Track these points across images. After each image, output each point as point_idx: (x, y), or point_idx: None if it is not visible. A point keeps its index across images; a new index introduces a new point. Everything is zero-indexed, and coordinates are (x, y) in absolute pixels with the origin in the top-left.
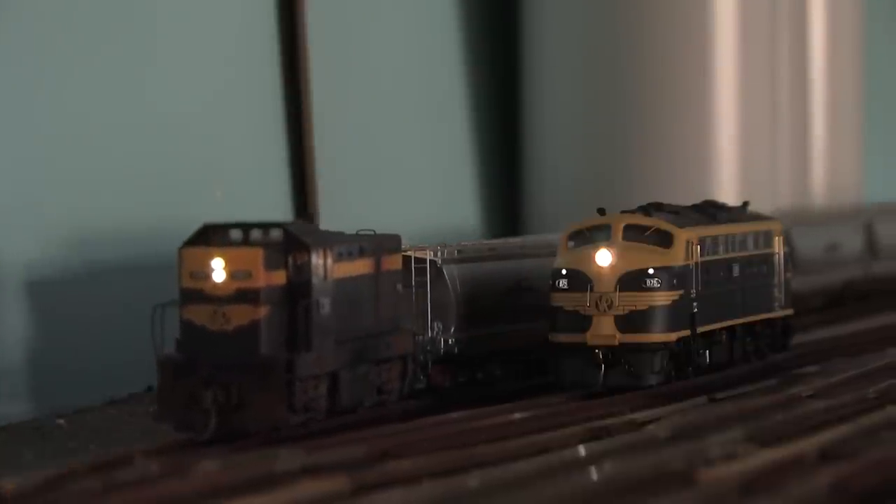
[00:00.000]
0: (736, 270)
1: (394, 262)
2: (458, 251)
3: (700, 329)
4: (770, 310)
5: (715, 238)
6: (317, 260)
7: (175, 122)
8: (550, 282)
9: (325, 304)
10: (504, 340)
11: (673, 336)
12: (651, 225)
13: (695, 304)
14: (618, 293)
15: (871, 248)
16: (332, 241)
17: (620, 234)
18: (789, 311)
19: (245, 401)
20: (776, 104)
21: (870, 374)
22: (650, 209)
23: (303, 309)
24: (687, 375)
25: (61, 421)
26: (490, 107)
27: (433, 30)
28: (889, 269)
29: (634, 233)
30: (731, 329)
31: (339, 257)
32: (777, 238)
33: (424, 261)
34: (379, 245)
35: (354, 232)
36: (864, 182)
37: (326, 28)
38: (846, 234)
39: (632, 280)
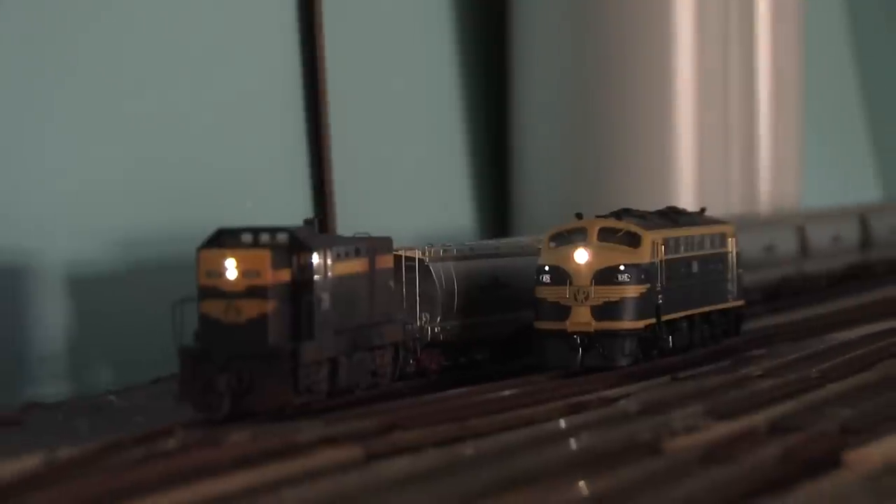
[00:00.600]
0: (695, 267)
1: (386, 261)
2: (444, 251)
3: (664, 317)
4: (724, 301)
5: (677, 239)
6: (318, 260)
7: (206, 133)
8: (535, 277)
9: (326, 299)
10: (483, 329)
11: (641, 324)
12: (622, 228)
13: (660, 296)
14: (593, 287)
15: (803, 249)
16: (331, 243)
17: (595, 236)
18: (741, 302)
19: (255, 384)
20: (728, 124)
21: (811, 357)
22: (621, 214)
23: (306, 303)
24: (653, 358)
25: (112, 397)
26: (482, 124)
27: (433, 48)
28: (818, 267)
29: (607, 234)
30: (690, 317)
31: (337, 258)
32: (730, 239)
33: (414, 259)
34: (373, 246)
35: (352, 234)
36: (802, 191)
37: (341, 48)
38: (782, 237)
39: (605, 275)
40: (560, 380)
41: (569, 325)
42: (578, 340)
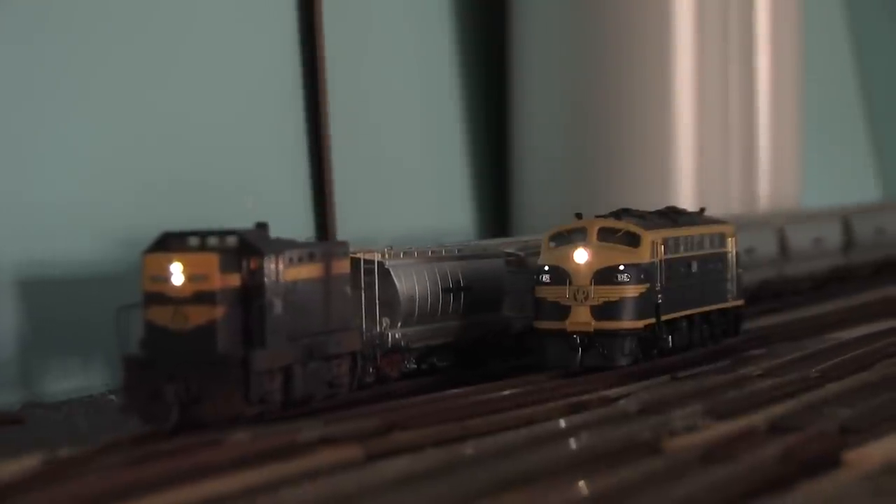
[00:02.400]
0: (695, 267)
1: (342, 267)
2: (404, 254)
3: (664, 317)
4: (724, 300)
5: (676, 239)
6: (269, 264)
7: (206, 133)
8: (535, 276)
9: (277, 305)
10: (446, 333)
11: (640, 323)
12: (621, 228)
13: (659, 295)
14: (593, 286)
15: (783, 251)
16: (283, 247)
17: (595, 236)
18: (740, 302)
19: (204, 394)
20: (728, 124)
21: (811, 357)
22: (620, 214)
23: (257, 308)
24: (652, 357)
25: (112, 396)
26: (482, 124)
27: (433, 48)
28: (798, 270)
29: (607, 234)
30: (690, 317)
31: (289, 262)
32: (730, 239)
33: (373, 262)
34: (329, 251)
35: (305, 240)
36: (802, 191)
37: (341, 48)
38: (761, 239)
39: (605, 275)
40: (560, 380)
41: (568, 325)
42: (578, 340)
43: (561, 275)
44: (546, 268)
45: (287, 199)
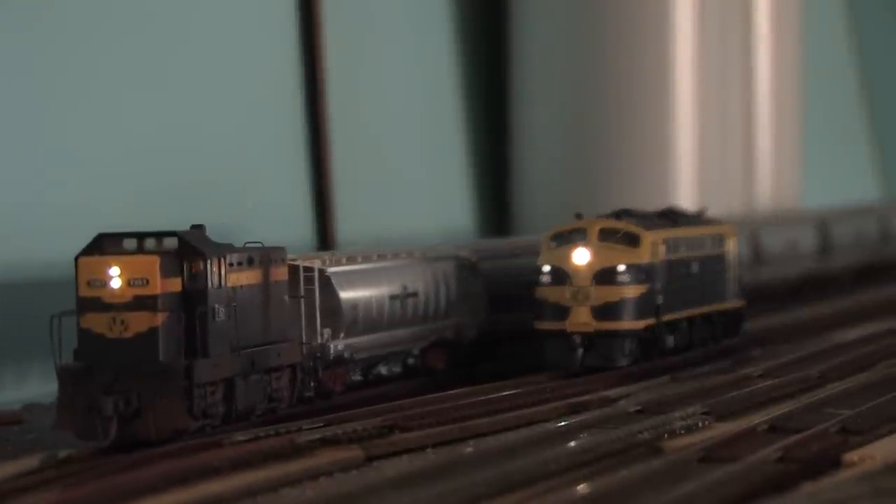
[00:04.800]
0: (695, 267)
1: (281, 273)
2: (347, 259)
3: (664, 317)
4: (724, 301)
5: (676, 239)
6: (212, 268)
7: (206, 134)
8: (536, 277)
9: (221, 312)
10: (393, 342)
11: (641, 324)
12: (621, 228)
13: (659, 296)
14: (593, 287)
15: (757, 256)
16: (224, 250)
17: (595, 236)
18: (741, 302)
19: (145, 407)
20: (728, 124)
21: (811, 357)
22: (621, 214)
23: (200, 315)
24: (653, 357)
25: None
26: (482, 125)
27: (431, 57)
28: (773, 274)
29: (607, 235)
30: (690, 317)
31: (231, 266)
32: (730, 239)
33: (312, 269)
34: (267, 256)
35: (243, 243)
36: (803, 191)
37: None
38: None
39: (605, 276)
40: (560, 380)
41: (569, 325)
42: (578, 341)
43: (561, 275)
44: (546, 268)
45: (287, 199)
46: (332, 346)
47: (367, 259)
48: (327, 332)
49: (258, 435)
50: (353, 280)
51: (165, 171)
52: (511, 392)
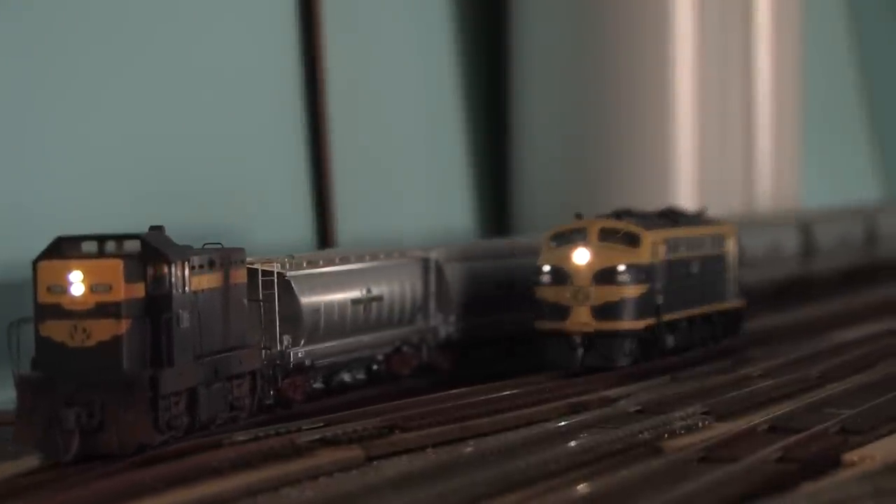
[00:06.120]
0: (695, 267)
1: (240, 276)
2: (308, 262)
3: (664, 317)
4: (724, 300)
5: (676, 239)
6: (176, 272)
7: (206, 135)
8: (535, 277)
9: (185, 318)
10: (357, 348)
11: (641, 324)
12: (621, 228)
13: (659, 296)
14: (593, 287)
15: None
16: (186, 253)
17: (595, 236)
18: (741, 302)
19: (109, 420)
20: (728, 124)
21: (811, 357)
22: (621, 214)
23: (164, 322)
24: (653, 357)
25: None
26: (482, 124)
27: (432, 56)
28: (756, 276)
29: (607, 235)
30: (690, 317)
31: (193, 270)
32: (730, 239)
33: (272, 273)
34: (227, 258)
35: (201, 245)
36: (802, 191)
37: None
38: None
39: (605, 275)
40: (560, 380)
41: (568, 326)
42: (578, 341)
43: (561, 275)
44: (546, 268)
45: (287, 199)
46: (291, 353)
47: (328, 262)
48: (287, 338)
49: (258, 435)
50: (314, 284)
51: (165, 171)
52: (511, 392)
